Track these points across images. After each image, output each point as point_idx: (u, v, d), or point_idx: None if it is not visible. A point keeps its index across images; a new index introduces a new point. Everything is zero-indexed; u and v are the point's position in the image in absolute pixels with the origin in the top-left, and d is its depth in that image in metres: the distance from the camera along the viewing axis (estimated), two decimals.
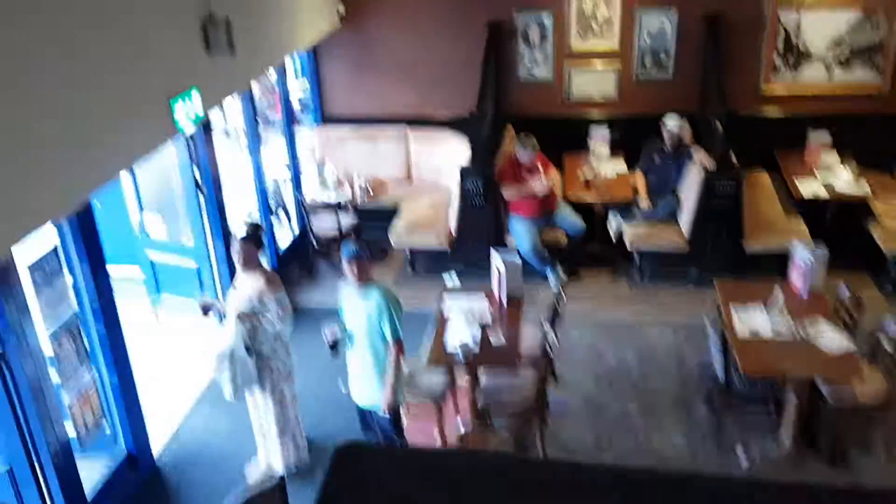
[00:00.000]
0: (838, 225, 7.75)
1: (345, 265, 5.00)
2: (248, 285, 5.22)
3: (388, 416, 5.16)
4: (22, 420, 4.62)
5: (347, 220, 8.28)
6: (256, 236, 5.29)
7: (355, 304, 5.04)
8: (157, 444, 6.02)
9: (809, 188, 7.75)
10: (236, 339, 5.12)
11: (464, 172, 7.62)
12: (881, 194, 7.73)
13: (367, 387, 5.16)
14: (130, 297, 7.82)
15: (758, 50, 8.39)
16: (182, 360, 7.09)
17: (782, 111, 8.58)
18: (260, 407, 5.56)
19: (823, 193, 7.68)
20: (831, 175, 7.88)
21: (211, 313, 5.44)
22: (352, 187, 8.40)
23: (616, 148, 8.52)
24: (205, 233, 6.82)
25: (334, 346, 5.07)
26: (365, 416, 5.37)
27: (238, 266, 5.30)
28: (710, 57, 8.26)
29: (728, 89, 7.80)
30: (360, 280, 4.98)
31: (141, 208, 7.15)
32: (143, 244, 7.31)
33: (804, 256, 5.86)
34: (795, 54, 8.37)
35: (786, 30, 8.28)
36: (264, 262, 5.40)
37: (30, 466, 4.76)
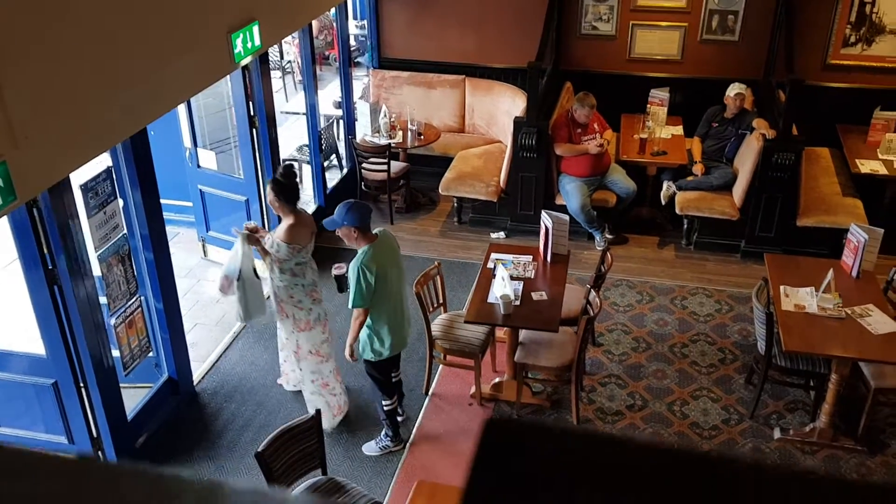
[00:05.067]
0: None
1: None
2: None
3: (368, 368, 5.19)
4: (69, 336, 4.76)
5: (397, 164, 8.27)
6: (277, 181, 4.94)
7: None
8: (197, 372, 6.16)
9: (869, 166, 7.52)
10: (244, 260, 4.97)
11: (518, 124, 7.54)
12: None
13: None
14: (179, 230, 7.97)
15: (829, 19, 8.08)
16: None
17: (849, 84, 8.28)
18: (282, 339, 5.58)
19: (882, 170, 7.45)
20: (894, 154, 7.62)
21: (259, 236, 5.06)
22: (404, 132, 8.36)
23: (675, 110, 8.33)
24: (256, 168, 6.85)
25: (339, 282, 5.08)
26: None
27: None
28: (780, 23, 8.00)
29: (795, 58, 7.55)
30: (352, 242, 4.82)
31: (195, 142, 7.18)
32: (194, 177, 7.35)
33: (858, 235, 5.71)
34: (868, 26, 8.06)
35: (861, 0, 7.96)
36: (289, 209, 4.99)
37: (74, 381, 4.92)
